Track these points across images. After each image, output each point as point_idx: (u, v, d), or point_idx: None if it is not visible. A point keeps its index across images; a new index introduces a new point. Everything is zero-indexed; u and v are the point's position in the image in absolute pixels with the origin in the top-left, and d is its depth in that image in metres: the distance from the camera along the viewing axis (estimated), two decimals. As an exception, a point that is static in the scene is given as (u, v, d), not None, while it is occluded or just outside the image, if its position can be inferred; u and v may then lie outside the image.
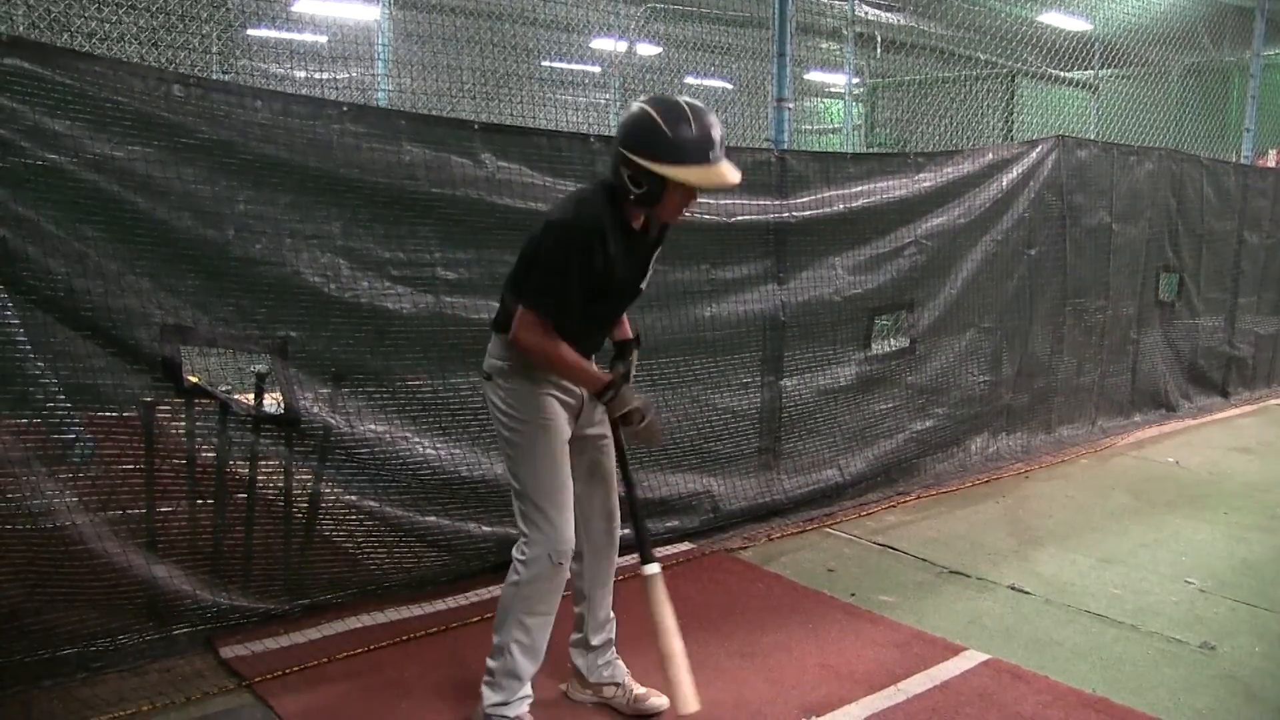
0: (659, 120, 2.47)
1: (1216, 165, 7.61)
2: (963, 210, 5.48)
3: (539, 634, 2.76)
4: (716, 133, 2.51)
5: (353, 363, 3.53)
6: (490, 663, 2.76)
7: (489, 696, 2.75)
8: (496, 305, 3.70)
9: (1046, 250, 6.06)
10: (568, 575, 2.80)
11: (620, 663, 3.04)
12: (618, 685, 3.01)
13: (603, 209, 2.61)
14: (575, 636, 3.03)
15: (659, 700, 3.00)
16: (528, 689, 2.78)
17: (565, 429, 2.78)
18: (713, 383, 4.54)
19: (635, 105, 2.57)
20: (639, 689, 3.02)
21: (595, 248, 2.55)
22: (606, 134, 4.02)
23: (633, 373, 2.88)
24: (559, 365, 2.66)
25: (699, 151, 2.49)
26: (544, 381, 2.73)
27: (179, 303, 3.14)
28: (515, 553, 2.74)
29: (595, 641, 2.99)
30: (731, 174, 2.55)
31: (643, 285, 2.85)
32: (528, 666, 2.75)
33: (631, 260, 2.72)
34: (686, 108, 2.51)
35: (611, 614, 3.02)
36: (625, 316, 2.95)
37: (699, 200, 2.72)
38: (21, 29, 4.44)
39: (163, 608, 3.21)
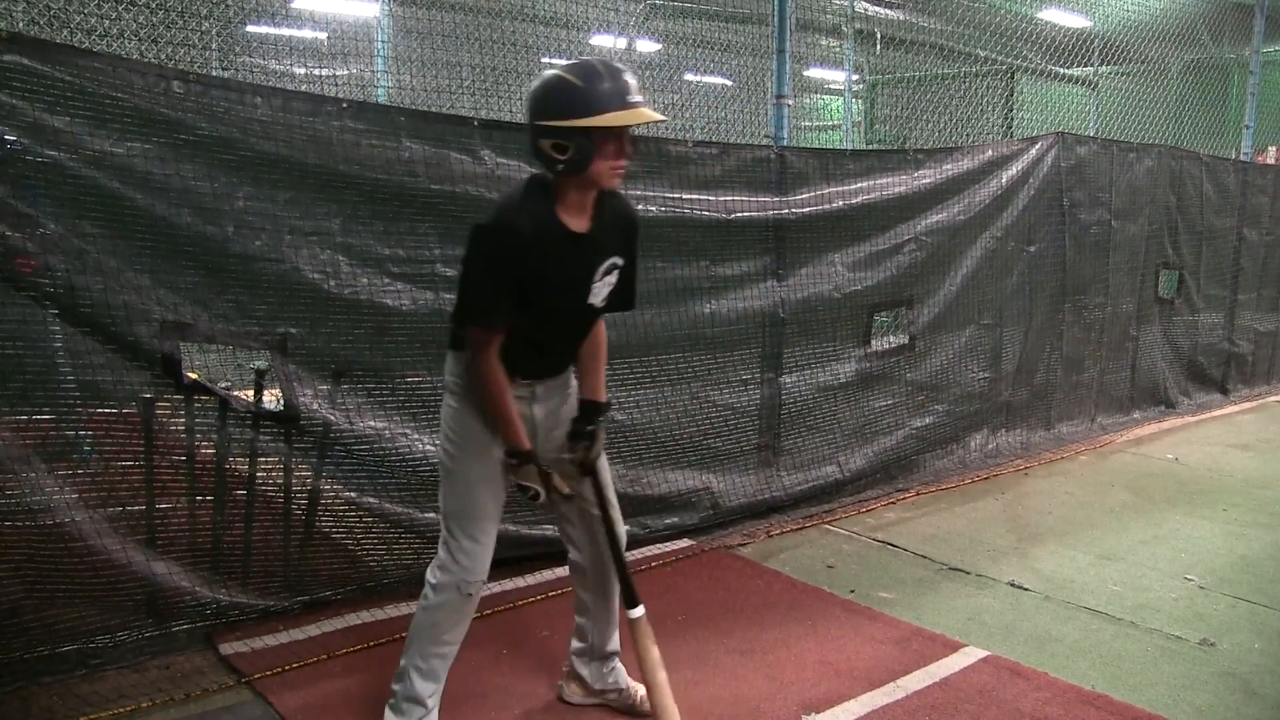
0: (570, 78, 2.35)
1: (1216, 162, 7.61)
2: (962, 207, 5.48)
3: (440, 663, 2.69)
4: (630, 78, 2.38)
5: (352, 359, 3.53)
6: (394, 685, 2.72)
7: (389, 718, 2.71)
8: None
9: (1046, 247, 6.06)
10: (476, 605, 2.71)
11: (621, 667, 3.02)
12: (621, 690, 3.00)
13: (528, 209, 2.44)
14: (579, 645, 2.98)
15: None
16: (433, 716, 2.72)
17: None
18: (712, 379, 4.54)
19: (541, 77, 2.41)
20: (643, 691, 3.01)
21: (518, 250, 2.41)
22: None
23: (597, 444, 2.74)
24: (487, 401, 2.52)
25: (618, 98, 2.34)
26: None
27: (178, 299, 3.14)
28: (429, 574, 2.67)
29: (607, 649, 2.96)
30: (653, 113, 2.39)
31: (595, 302, 2.62)
32: (427, 690, 2.69)
33: (573, 266, 2.54)
34: (595, 62, 2.39)
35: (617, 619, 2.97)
36: (600, 370, 2.78)
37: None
38: (21, 25, 4.43)
39: (162, 604, 3.21)
